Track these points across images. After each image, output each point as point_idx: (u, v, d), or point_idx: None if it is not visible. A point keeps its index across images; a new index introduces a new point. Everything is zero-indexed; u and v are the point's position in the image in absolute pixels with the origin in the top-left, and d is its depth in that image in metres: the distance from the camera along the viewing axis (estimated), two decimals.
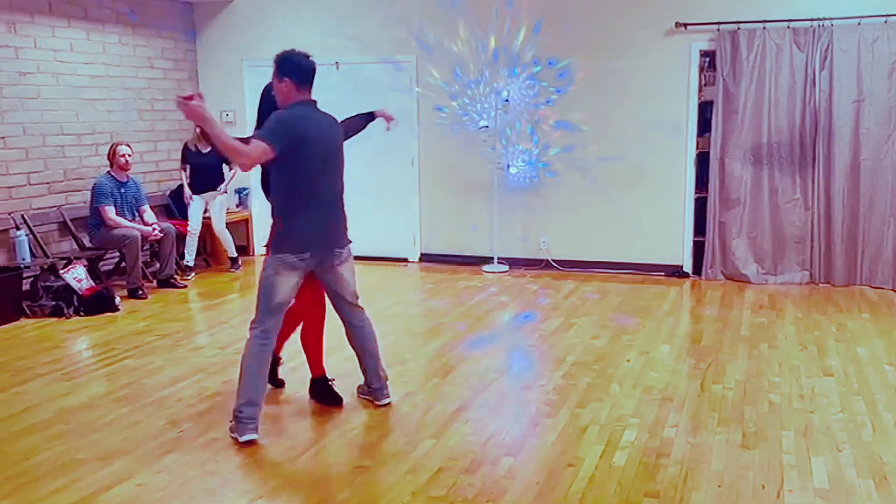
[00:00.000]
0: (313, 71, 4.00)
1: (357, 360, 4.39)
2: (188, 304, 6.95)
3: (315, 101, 4.01)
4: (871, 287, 7.02)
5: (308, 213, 3.94)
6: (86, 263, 6.92)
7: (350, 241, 4.23)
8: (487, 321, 6.16)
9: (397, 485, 3.46)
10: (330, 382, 4.45)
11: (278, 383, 4.66)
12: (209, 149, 7.64)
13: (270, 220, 4.01)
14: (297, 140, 3.81)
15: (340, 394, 4.42)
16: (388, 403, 4.37)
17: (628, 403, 4.36)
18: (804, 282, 7.20)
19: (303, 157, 3.85)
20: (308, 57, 4.01)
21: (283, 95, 3.93)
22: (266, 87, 4.21)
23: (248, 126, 8.54)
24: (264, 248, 4.11)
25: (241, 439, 3.87)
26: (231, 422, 3.98)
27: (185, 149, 7.98)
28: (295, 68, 3.93)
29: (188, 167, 7.91)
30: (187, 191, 7.86)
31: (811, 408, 4.26)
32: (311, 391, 4.49)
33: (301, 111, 3.91)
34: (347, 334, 4.34)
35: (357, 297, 4.28)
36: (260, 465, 3.69)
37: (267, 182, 4.10)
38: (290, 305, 4.03)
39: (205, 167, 7.87)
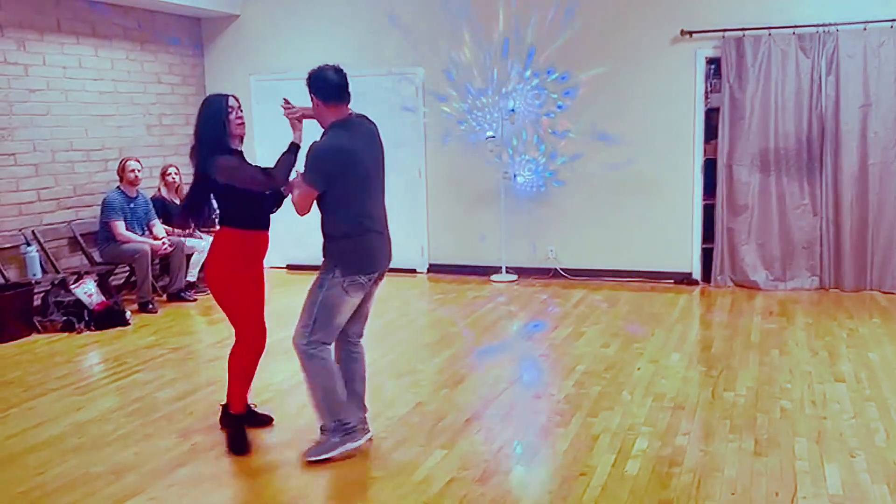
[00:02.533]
0: (340, 86, 3.73)
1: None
2: (198, 317, 6.97)
3: (351, 114, 3.81)
4: (882, 292, 6.99)
5: (372, 233, 3.81)
6: (96, 278, 6.95)
7: None
8: (497, 331, 6.16)
9: (409, 495, 3.46)
10: (253, 407, 4.33)
11: (263, 419, 4.29)
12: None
13: (323, 238, 3.84)
14: (342, 166, 3.64)
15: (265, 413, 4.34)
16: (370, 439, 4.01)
17: (640, 412, 4.35)
18: (814, 287, 7.17)
19: (353, 179, 3.69)
20: (337, 70, 3.77)
21: (319, 117, 3.78)
22: (206, 101, 3.96)
23: (254, 142, 8.60)
24: (326, 266, 3.82)
25: (357, 444, 3.84)
26: (321, 443, 3.84)
27: (157, 200, 7.67)
28: (321, 86, 3.71)
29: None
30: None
31: (823, 414, 4.24)
32: (231, 421, 4.11)
33: (336, 136, 3.69)
34: (343, 358, 3.97)
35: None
36: (272, 477, 3.69)
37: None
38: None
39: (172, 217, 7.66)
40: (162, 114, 8.39)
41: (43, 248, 6.87)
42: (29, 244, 6.74)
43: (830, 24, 6.78)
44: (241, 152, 3.96)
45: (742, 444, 3.88)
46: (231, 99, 3.92)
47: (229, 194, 3.87)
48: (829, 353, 5.31)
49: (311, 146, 3.65)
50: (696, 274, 7.61)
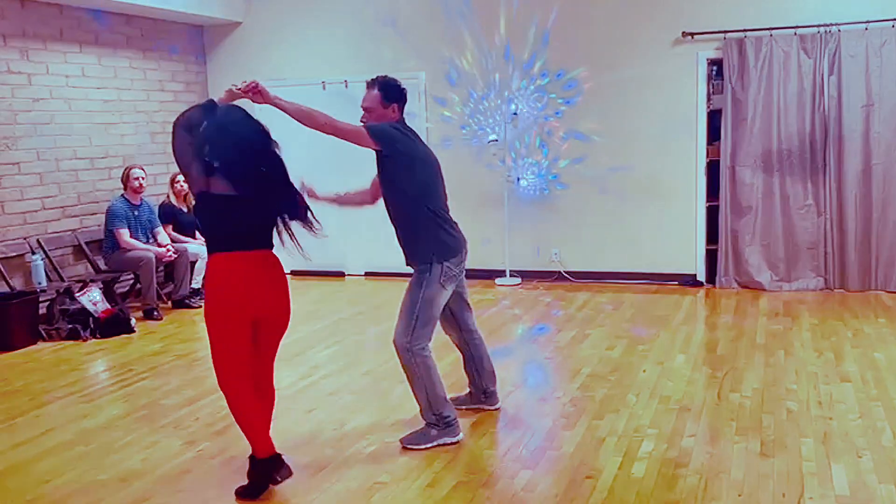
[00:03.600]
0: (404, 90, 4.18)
1: (467, 368, 4.45)
2: (202, 324, 6.97)
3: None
4: (887, 292, 6.98)
5: (449, 220, 4.15)
6: (101, 286, 6.97)
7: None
8: (501, 334, 6.16)
9: (415, 500, 3.46)
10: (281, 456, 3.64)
11: (285, 473, 3.59)
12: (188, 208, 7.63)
13: (404, 233, 4.08)
14: (413, 146, 4.01)
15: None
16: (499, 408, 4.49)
17: (645, 414, 4.34)
18: (819, 288, 7.16)
19: (425, 163, 4.05)
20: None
21: (383, 117, 4.02)
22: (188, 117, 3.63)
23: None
24: (422, 263, 4.00)
25: (456, 439, 4.01)
26: (422, 432, 4.04)
27: (167, 207, 7.71)
28: (401, 94, 4.11)
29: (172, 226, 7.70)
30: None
31: (830, 414, 4.23)
32: (261, 472, 3.55)
33: (403, 126, 4.07)
34: (469, 346, 4.38)
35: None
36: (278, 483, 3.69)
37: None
38: None
39: (188, 223, 7.75)
40: (165, 121, 8.40)
41: (48, 257, 6.89)
42: (34, 253, 6.76)
43: (832, 25, 6.78)
44: None
45: (748, 445, 3.87)
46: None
47: (207, 209, 3.41)
48: (835, 353, 5.30)
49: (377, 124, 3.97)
50: (701, 276, 7.61)
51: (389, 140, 3.91)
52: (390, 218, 4.11)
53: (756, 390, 4.63)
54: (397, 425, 4.32)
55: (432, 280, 3.99)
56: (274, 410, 4.59)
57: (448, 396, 4.09)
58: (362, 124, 3.95)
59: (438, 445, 3.99)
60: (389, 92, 4.03)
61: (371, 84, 4.05)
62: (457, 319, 4.33)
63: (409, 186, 3.96)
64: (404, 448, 4.00)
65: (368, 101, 4.04)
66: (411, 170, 3.94)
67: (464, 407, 4.44)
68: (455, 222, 4.19)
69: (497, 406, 4.49)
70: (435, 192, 4.07)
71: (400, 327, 4.01)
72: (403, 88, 4.11)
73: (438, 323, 4.12)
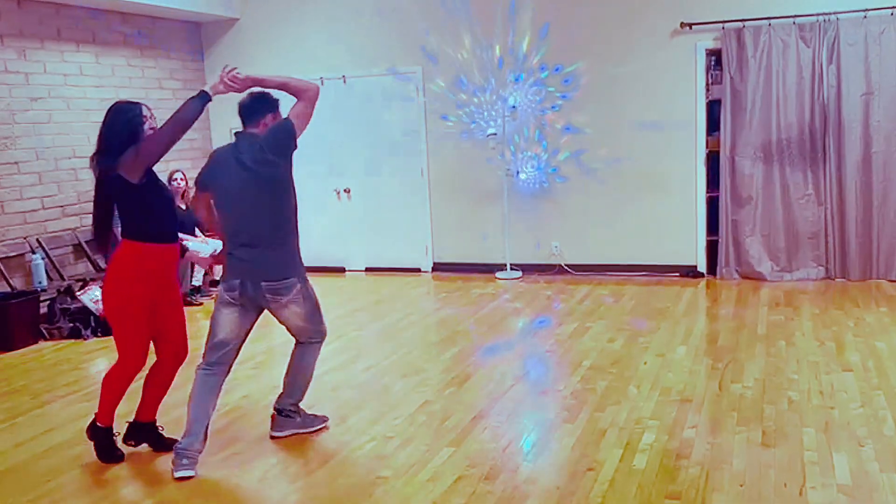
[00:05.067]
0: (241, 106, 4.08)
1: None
2: (204, 321, 6.98)
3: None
4: (888, 280, 6.97)
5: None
6: (101, 285, 6.96)
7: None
8: (502, 328, 6.15)
9: (417, 494, 3.46)
10: (160, 430, 4.11)
11: (169, 442, 4.01)
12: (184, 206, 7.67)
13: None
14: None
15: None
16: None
17: (647, 406, 4.34)
18: (820, 277, 7.15)
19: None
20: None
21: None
22: (119, 108, 3.87)
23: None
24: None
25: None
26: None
27: None
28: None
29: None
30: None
31: (831, 404, 4.22)
32: (135, 435, 4.04)
33: None
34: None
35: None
36: (279, 479, 3.70)
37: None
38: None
39: (187, 220, 7.77)
40: (164, 119, 8.38)
41: (48, 256, 6.89)
42: (34, 252, 6.76)
43: (830, 13, 6.76)
44: None
45: (749, 435, 3.87)
46: (144, 108, 3.79)
47: (131, 202, 3.66)
48: (836, 342, 5.29)
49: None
50: (702, 267, 7.60)
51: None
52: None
53: (757, 381, 4.63)
54: (397, 419, 4.32)
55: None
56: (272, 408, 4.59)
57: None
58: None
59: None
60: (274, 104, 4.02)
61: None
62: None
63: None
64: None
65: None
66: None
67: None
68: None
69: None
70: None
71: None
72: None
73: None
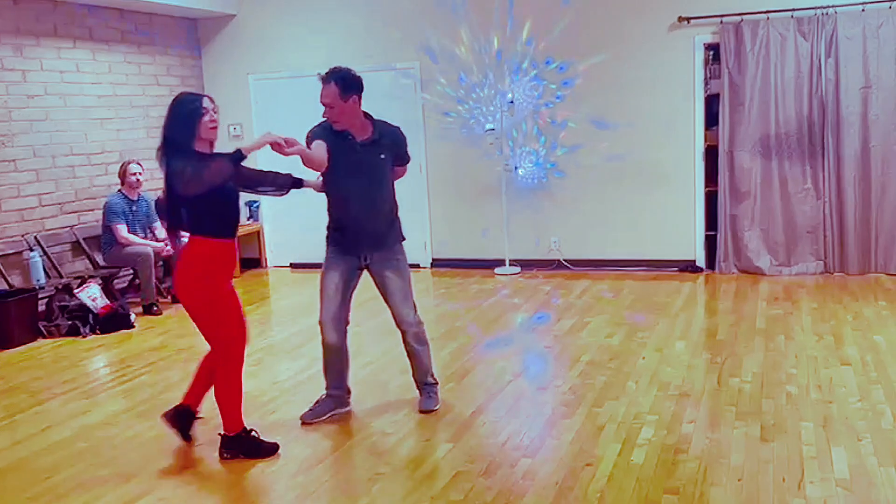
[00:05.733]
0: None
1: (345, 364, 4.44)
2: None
3: None
4: (887, 274, 6.97)
5: None
6: (100, 282, 6.97)
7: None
8: (501, 323, 6.15)
9: (415, 490, 3.46)
10: (196, 414, 4.11)
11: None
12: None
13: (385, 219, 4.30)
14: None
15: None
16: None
17: (645, 400, 4.34)
18: (818, 272, 7.15)
19: None
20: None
21: (352, 112, 4.03)
22: (179, 100, 3.79)
23: (256, 137, 8.60)
24: (401, 240, 4.39)
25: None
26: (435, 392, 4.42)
27: (163, 202, 7.73)
28: (358, 85, 4.04)
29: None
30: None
31: (830, 398, 4.23)
32: (229, 447, 3.90)
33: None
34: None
35: None
36: (279, 476, 3.70)
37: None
38: None
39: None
40: (161, 116, 8.28)
41: (46, 254, 6.88)
42: (32, 250, 6.75)
43: (828, 6, 6.75)
44: (206, 155, 3.70)
45: (748, 430, 3.87)
46: (206, 100, 3.72)
47: (199, 201, 3.64)
48: (835, 337, 5.29)
49: (398, 130, 4.27)
50: (700, 261, 7.60)
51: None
52: (371, 207, 4.17)
53: (756, 375, 4.63)
54: (396, 415, 4.32)
55: (406, 258, 4.35)
56: (275, 403, 4.63)
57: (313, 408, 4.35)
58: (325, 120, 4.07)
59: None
60: (347, 84, 3.96)
61: (326, 78, 3.98)
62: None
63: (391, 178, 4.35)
64: (425, 412, 4.31)
65: (327, 96, 3.97)
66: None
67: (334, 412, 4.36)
68: None
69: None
70: None
71: (405, 308, 4.26)
72: (359, 78, 4.05)
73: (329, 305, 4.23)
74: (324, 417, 4.29)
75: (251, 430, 3.91)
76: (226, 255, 3.80)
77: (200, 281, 3.71)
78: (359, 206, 4.12)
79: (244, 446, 3.86)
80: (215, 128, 3.74)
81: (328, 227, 4.29)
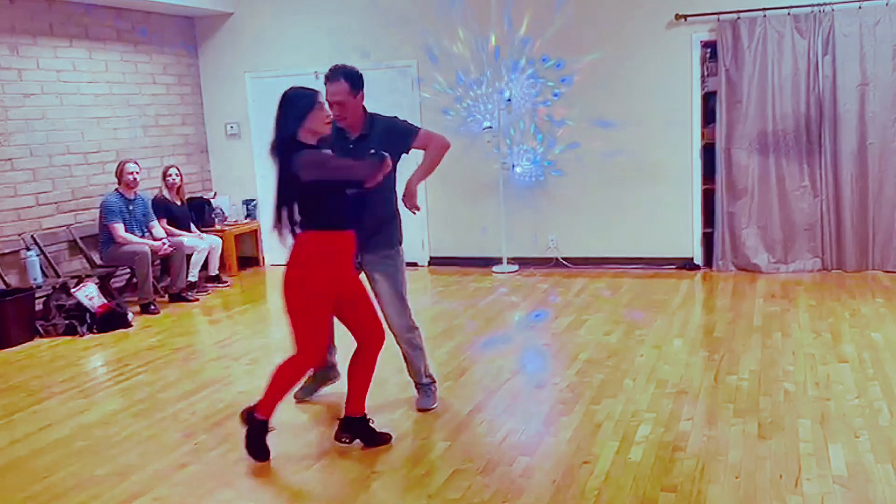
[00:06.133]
0: None
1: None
2: (200, 317, 6.98)
3: None
4: (884, 271, 6.98)
5: None
6: (97, 281, 6.96)
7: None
8: (499, 322, 6.15)
9: (413, 489, 3.46)
10: (370, 423, 3.99)
11: (383, 438, 4.00)
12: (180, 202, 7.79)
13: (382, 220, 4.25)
14: None
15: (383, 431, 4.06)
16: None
17: (643, 398, 4.34)
18: (816, 269, 7.16)
19: None
20: None
21: (356, 110, 4.04)
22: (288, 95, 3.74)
23: (253, 136, 8.60)
24: (396, 243, 4.34)
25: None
26: (432, 391, 4.43)
27: (160, 201, 7.67)
28: (361, 79, 4.05)
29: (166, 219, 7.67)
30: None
31: (827, 395, 4.23)
32: (350, 431, 3.95)
33: None
34: None
35: None
36: (276, 474, 3.70)
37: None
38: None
39: (182, 216, 7.83)
40: (158, 114, 8.38)
41: (43, 253, 6.87)
42: (29, 249, 6.74)
43: (825, 4, 6.75)
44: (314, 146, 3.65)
45: (745, 427, 3.87)
46: (320, 95, 3.66)
47: (313, 193, 3.57)
48: (832, 334, 5.30)
49: (391, 118, 4.19)
50: (698, 259, 7.60)
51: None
52: (361, 205, 3.91)
53: (753, 372, 4.63)
54: (394, 414, 4.32)
55: (403, 260, 4.32)
56: None
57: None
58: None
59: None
60: (356, 81, 3.99)
61: (334, 76, 3.95)
62: None
63: (393, 175, 4.15)
64: (422, 410, 4.33)
65: (338, 94, 3.93)
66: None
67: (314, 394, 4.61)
68: None
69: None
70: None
71: (392, 312, 4.22)
72: (362, 73, 4.08)
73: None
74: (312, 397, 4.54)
75: (370, 419, 3.95)
76: (337, 247, 3.69)
77: (294, 276, 3.63)
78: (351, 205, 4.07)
79: (362, 431, 3.92)
80: (331, 122, 3.70)
81: None
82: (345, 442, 3.92)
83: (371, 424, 3.95)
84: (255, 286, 8.10)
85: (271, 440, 3.88)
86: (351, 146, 4.06)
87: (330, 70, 4.00)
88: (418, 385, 4.42)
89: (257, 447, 3.80)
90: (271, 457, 3.84)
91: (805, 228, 7.16)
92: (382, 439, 3.95)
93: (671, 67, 7.35)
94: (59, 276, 6.91)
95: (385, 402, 4.50)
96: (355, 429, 3.93)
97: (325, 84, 3.97)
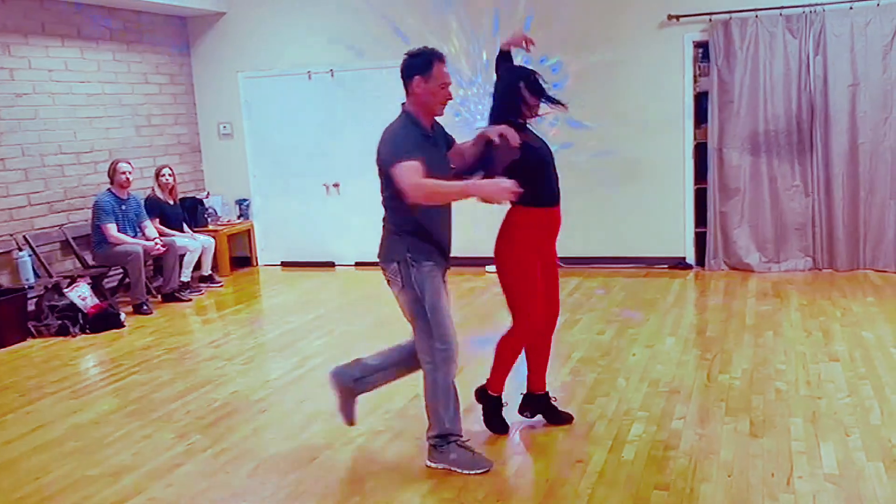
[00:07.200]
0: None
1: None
2: (193, 317, 6.97)
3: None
4: (875, 270, 7.01)
5: None
6: (90, 281, 6.94)
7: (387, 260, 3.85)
8: (492, 321, 6.15)
9: (408, 488, 3.46)
10: (553, 401, 4.09)
11: (565, 417, 4.09)
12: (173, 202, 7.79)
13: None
14: None
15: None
16: None
17: (635, 397, 4.36)
18: (807, 268, 7.19)
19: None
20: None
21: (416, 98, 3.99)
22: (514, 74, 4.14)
23: (245, 137, 8.59)
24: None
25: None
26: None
27: (153, 200, 7.67)
28: (412, 67, 3.98)
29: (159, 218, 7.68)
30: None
31: (818, 394, 4.25)
32: (529, 406, 4.07)
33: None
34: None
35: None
36: (270, 474, 3.70)
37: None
38: None
39: (175, 216, 7.84)
40: (150, 114, 8.36)
41: (35, 253, 6.84)
42: (21, 249, 6.72)
43: (817, 4, 6.78)
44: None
45: (737, 426, 3.89)
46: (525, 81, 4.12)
47: (521, 171, 3.76)
48: (824, 333, 5.32)
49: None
50: (690, 258, 7.63)
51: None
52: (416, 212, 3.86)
53: (745, 371, 4.65)
54: (388, 413, 4.33)
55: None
56: (266, 402, 4.61)
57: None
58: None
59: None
60: (402, 72, 3.97)
61: (442, 56, 3.87)
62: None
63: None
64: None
65: (449, 74, 3.88)
66: None
67: None
68: None
69: None
70: None
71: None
72: (414, 56, 3.90)
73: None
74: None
75: (505, 403, 4.00)
76: (545, 222, 4.12)
77: (505, 249, 3.87)
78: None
79: (489, 406, 3.99)
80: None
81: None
82: (526, 416, 4.04)
83: (553, 402, 4.05)
84: (248, 286, 8.09)
85: (268, 440, 3.89)
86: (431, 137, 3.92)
87: (433, 50, 3.85)
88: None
89: (496, 422, 3.98)
90: (269, 456, 3.84)
91: (796, 228, 7.19)
92: (564, 418, 4.05)
93: (663, 68, 7.37)
94: (51, 277, 6.89)
95: (381, 401, 4.50)
96: (536, 404, 4.04)
97: (438, 63, 3.77)
